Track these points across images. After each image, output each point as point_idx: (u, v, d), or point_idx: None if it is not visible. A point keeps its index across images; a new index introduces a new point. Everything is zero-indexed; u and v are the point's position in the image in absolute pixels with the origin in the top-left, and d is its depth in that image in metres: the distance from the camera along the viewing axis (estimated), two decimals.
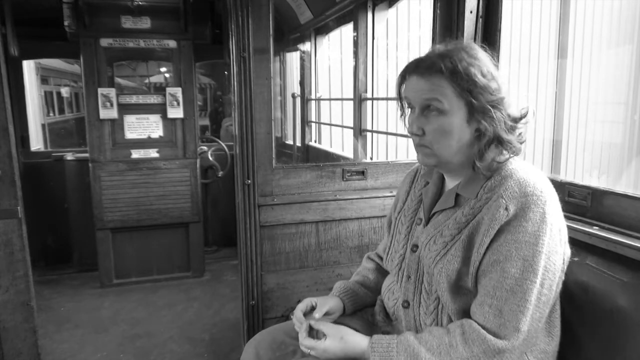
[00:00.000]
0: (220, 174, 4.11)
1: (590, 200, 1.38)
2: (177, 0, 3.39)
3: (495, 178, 1.08)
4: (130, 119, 3.45)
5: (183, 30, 3.46)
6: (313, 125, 4.42)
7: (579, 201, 1.41)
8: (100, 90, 3.33)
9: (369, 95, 3.32)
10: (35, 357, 1.92)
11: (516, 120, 1.10)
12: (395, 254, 1.29)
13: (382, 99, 3.48)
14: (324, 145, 4.33)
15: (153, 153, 3.51)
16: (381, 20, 3.19)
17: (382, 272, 1.46)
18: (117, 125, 3.42)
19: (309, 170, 1.89)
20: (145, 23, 3.42)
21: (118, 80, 4.04)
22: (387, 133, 3.57)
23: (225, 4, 2.21)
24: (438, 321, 1.15)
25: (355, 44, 3.28)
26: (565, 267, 1.10)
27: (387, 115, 3.93)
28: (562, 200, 1.11)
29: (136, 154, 3.47)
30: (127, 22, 3.39)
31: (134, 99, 3.45)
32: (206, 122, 7.07)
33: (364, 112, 3.34)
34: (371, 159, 3.38)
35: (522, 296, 1.00)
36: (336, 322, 1.31)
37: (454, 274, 1.08)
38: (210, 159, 4.11)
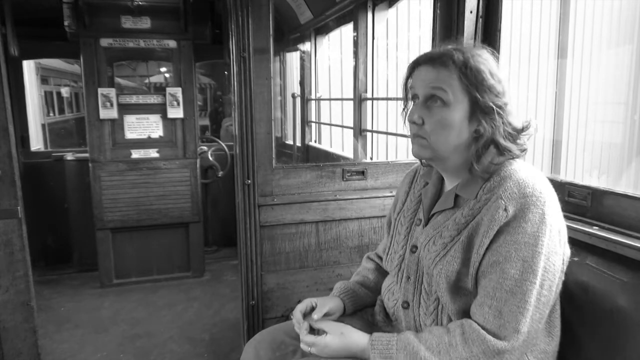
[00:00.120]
0: (220, 174, 4.11)
1: (590, 200, 1.38)
2: (177, 0, 3.40)
3: (494, 179, 1.08)
4: (130, 119, 3.45)
5: (183, 30, 3.46)
6: (313, 125, 4.42)
7: (579, 201, 1.41)
8: (100, 90, 3.33)
9: (369, 95, 3.32)
10: (35, 357, 1.92)
11: (517, 130, 1.10)
12: (394, 255, 1.29)
13: (382, 99, 3.48)
14: (324, 145, 4.33)
15: (153, 153, 3.51)
16: (381, 20, 3.19)
17: (382, 272, 1.46)
18: (117, 125, 3.42)
19: (309, 170, 1.89)
20: (145, 23, 3.42)
21: (118, 80, 4.04)
22: (387, 133, 3.57)
23: (225, 4, 2.21)
24: (438, 322, 1.15)
25: (355, 44, 3.28)
26: (565, 268, 1.10)
27: (387, 115, 3.94)
28: (562, 200, 1.11)
29: (136, 154, 3.47)
30: (127, 22, 3.39)
31: (134, 99, 3.45)
32: (206, 122, 7.07)
33: (364, 112, 3.34)
34: (371, 159, 3.38)
35: (521, 297, 1.00)
36: (336, 321, 1.31)
37: (454, 275, 1.08)
38: (210, 159, 4.11)
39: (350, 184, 1.94)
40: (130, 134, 3.46)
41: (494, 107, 1.06)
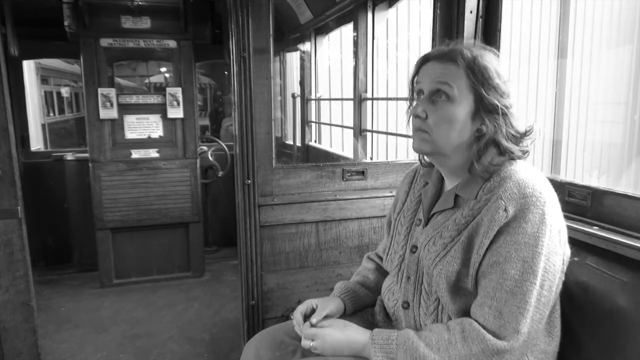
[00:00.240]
0: (220, 174, 4.11)
1: (590, 200, 1.38)
2: (177, 0, 3.40)
3: (494, 179, 1.08)
4: (130, 119, 3.45)
5: (183, 30, 3.46)
6: (313, 125, 4.42)
7: (579, 201, 1.41)
8: (100, 90, 3.33)
9: (369, 95, 3.32)
10: (35, 357, 1.91)
11: (520, 134, 1.11)
12: (394, 255, 1.29)
13: (382, 99, 3.48)
14: (324, 145, 4.33)
15: (153, 153, 3.51)
16: (381, 20, 3.19)
17: (382, 272, 1.46)
18: (117, 125, 3.42)
19: (309, 170, 1.89)
20: (145, 23, 3.42)
21: (118, 80, 4.04)
22: (387, 133, 3.57)
23: (225, 4, 2.21)
24: (438, 322, 1.15)
25: (355, 44, 3.28)
26: (565, 268, 1.10)
27: (387, 115, 3.94)
28: (562, 200, 1.11)
29: (136, 154, 3.47)
30: (127, 22, 3.39)
31: (134, 99, 3.45)
32: (206, 122, 7.07)
33: (364, 112, 3.34)
34: (371, 159, 3.38)
35: (521, 298, 1.00)
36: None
37: (454, 276, 1.08)
38: (210, 159, 4.11)
39: (350, 184, 1.94)
40: (130, 134, 3.46)
41: (498, 106, 1.06)
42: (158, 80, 6.17)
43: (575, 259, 1.23)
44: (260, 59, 1.74)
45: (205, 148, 4.08)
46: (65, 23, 3.18)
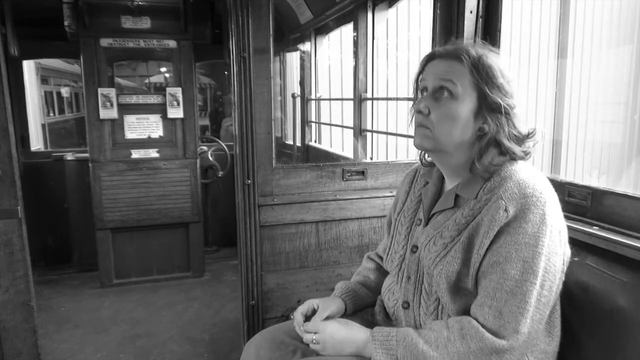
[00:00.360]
0: (220, 174, 4.11)
1: (590, 200, 1.38)
2: (177, 0, 3.40)
3: (494, 179, 1.08)
4: (130, 119, 3.45)
5: (183, 30, 3.46)
6: (313, 125, 4.42)
7: (579, 201, 1.41)
8: (100, 90, 3.33)
9: (369, 95, 3.32)
10: (35, 357, 1.91)
11: (522, 135, 1.11)
12: (395, 255, 1.29)
13: (382, 99, 3.48)
14: (324, 145, 4.33)
15: (153, 153, 3.51)
16: (381, 20, 3.19)
17: (382, 272, 1.46)
18: (117, 125, 3.42)
19: (309, 170, 1.89)
20: (145, 23, 3.42)
21: (118, 80, 4.04)
22: (387, 133, 3.57)
23: (225, 4, 2.21)
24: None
25: (355, 44, 3.28)
26: (565, 268, 1.10)
27: (387, 115, 3.94)
28: (562, 200, 1.11)
29: (136, 154, 3.47)
30: (127, 22, 3.39)
31: (134, 99, 3.45)
32: (206, 122, 7.07)
33: (364, 112, 3.34)
34: (371, 159, 3.38)
35: (522, 298, 1.00)
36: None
37: (454, 275, 1.08)
38: (210, 159, 4.11)
39: (350, 184, 1.94)
40: (130, 134, 3.46)
41: (501, 105, 1.06)
42: (158, 80, 6.17)
43: (576, 259, 1.23)
44: (260, 59, 1.74)
45: (205, 148, 4.08)
46: (65, 23, 3.18)
